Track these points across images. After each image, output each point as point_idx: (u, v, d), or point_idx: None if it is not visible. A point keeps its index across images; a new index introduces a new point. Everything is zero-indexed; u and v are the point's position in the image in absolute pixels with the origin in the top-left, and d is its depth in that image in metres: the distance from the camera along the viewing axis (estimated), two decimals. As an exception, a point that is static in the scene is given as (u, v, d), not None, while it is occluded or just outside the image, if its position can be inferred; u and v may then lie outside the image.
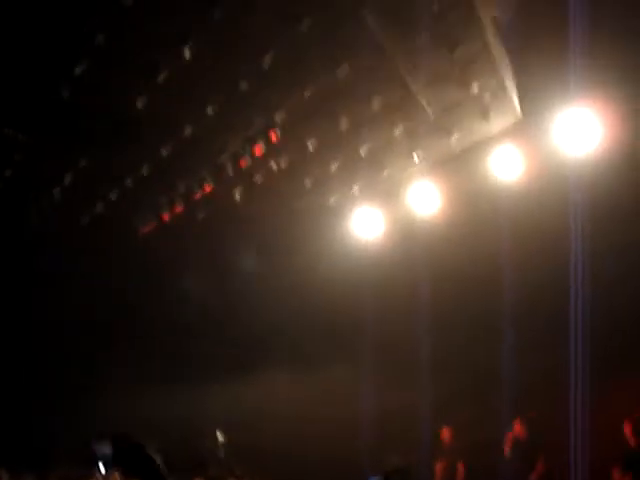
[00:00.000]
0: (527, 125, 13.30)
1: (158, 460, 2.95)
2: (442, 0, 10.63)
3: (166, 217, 16.08)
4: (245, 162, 14.04)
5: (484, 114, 13.06)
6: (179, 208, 15.75)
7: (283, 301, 16.12)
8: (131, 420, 16.92)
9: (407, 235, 15.09)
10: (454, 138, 13.81)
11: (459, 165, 14.34)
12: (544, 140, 12.97)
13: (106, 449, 2.89)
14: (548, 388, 13.09)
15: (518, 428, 13.24)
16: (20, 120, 13.26)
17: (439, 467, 14.65)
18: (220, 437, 15.17)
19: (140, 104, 12.46)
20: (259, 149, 13.70)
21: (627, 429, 10.97)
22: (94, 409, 16.49)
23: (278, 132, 13.32)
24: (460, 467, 14.40)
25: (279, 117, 13.15)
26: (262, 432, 16.21)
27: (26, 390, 17.66)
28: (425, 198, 14.88)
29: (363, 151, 14.15)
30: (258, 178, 15.07)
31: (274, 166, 14.62)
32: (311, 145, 13.95)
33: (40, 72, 11.79)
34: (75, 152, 14.08)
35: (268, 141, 13.53)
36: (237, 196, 15.59)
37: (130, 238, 16.63)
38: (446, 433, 14.69)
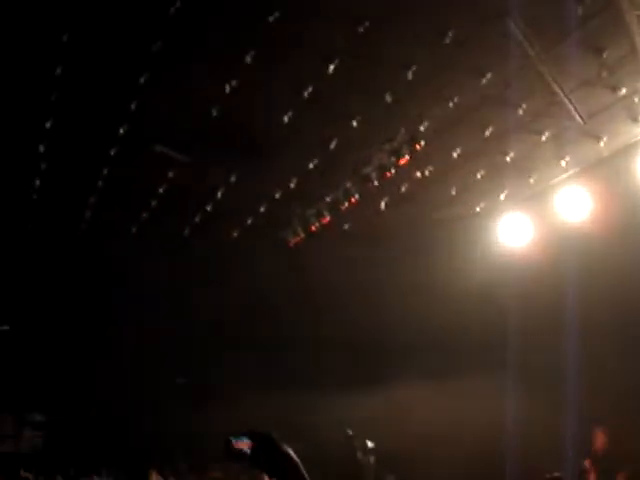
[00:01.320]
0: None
1: (295, 457, 3.00)
2: (587, 3, 10.43)
3: (314, 228, 16.38)
4: (390, 173, 14.13)
5: (633, 117, 12.73)
6: (326, 219, 16.01)
7: (432, 311, 16.12)
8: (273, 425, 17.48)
9: (556, 242, 14.81)
10: (603, 142, 13.51)
11: (609, 170, 14.00)
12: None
13: (244, 445, 2.96)
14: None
15: None
16: (171, 138, 13.82)
17: (592, 477, 14.30)
18: (370, 444, 15.31)
19: (286, 119, 12.76)
20: (404, 159, 13.75)
21: None
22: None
23: (423, 142, 13.34)
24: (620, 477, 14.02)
25: (424, 127, 13.20)
26: (401, 442, 16.30)
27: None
28: (574, 204, 14.57)
29: (510, 158, 14.02)
30: (403, 187, 15.17)
31: (419, 175, 14.67)
32: (456, 153, 13.93)
33: (191, 91, 12.28)
34: (225, 167, 14.54)
35: (413, 151, 13.57)
36: (382, 206, 15.73)
37: (279, 249, 17.04)
38: (600, 438, 14.28)
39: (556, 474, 7.89)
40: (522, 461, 14.38)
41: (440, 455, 15.53)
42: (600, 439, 14.10)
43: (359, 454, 13.65)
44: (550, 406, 14.02)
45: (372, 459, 15.28)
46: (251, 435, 2.97)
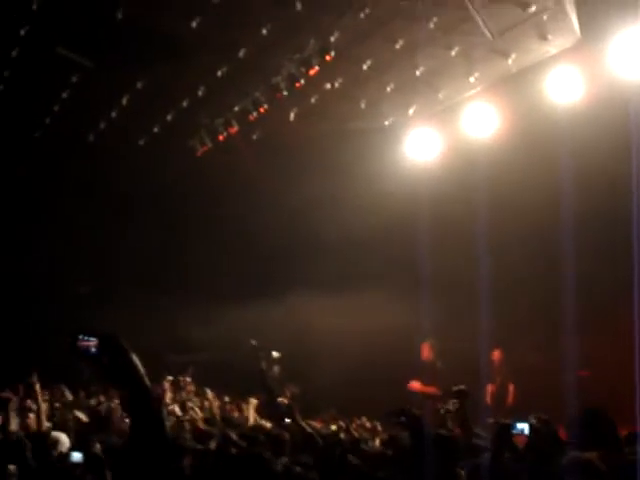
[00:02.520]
0: (586, 46, 12.99)
1: (141, 369, 2.96)
2: None
3: (222, 138, 16.21)
4: (300, 83, 13.99)
5: (542, 35, 12.81)
6: (234, 129, 15.84)
7: (336, 223, 16.19)
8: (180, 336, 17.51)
9: (463, 157, 14.97)
10: (511, 59, 13.58)
11: (516, 87, 14.11)
12: (603, 61, 12.69)
13: (91, 344, 2.91)
14: (608, 318, 13.05)
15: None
16: (77, 42, 13.36)
17: (490, 388, 14.81)
18: (275, 355, 15.45)
19: (195, 25, 12.46)
20: (314, 70, 13.62)
21: None
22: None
23: (333, 53, 13.21)
24: (511, 388, 14.55)
25: (334, 37, 13.05)
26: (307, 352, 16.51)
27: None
28: (482, 120, 14.72)
29: (419, 72, 14.00)
30: (313, 99, 15.06)
31: (329, 87, 14.57)
32: (366, 66, 13.85)
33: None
34: (132, 74, 14.18)
35: (323, 62, 13.44)
36: (292, 117, 15.63)
37: (186, 158, 16.83)
38: (497, 355, 14.83)
39: (461, 387, 8.06)
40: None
41: (337, 365, 15.76)
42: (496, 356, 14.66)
43: (263, 364, 13.75)
44: (459, 321, 14.28)
45: (277, 369, 15.44)
46: (99, 335, 2.90)
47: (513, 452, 6.12)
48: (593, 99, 13.07)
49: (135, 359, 2.93)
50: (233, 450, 6.85)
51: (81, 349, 2.88)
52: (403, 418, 6.29)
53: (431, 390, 14.19)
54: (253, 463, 5.54)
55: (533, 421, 6.35)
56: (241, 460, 5.98)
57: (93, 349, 2.87)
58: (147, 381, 2.96)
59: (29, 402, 9.60)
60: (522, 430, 6.20)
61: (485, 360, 14.14)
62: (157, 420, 2.94)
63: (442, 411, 9.03)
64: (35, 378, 9.57)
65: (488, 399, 14.68)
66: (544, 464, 5.54)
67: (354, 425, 10.85)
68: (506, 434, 6.11)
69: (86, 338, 2.88)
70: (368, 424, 11.99)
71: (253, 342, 14.08)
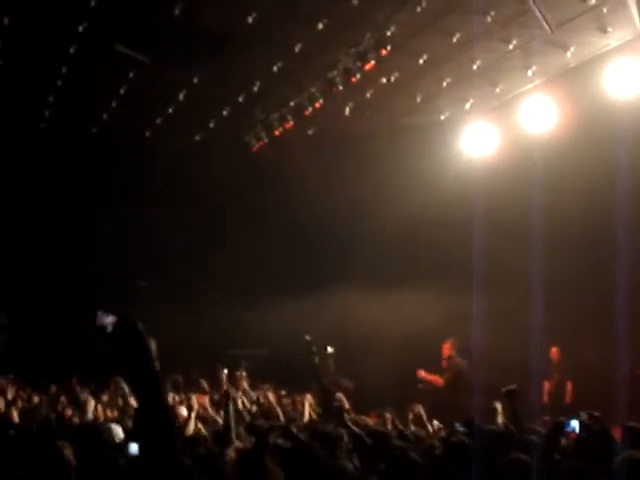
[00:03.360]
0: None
1: (155, 354, 2.94)
2: None
3: (277, 133, 16.25)
4: (355, 78, 13.96)
5: (602, 28, 12.57)
6: (290, 124, 15.87)
7: (391, 219, 16.12)
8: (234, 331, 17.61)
9: (520, 152, 14.79)
10: (570, 53, 13.37)
11: (575, 81, 13.90)
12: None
13: (109, 320, 2.91)
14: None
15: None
16: (134, 38, 13.48)
17: (548, 385, 14.67)
18: (330, 350, 15.47)
19: (251, 20, 12.48)
20: (369, 64, 13.57)
21: None
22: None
23: (389, 47, 13.14)
24: (569, 386, 14.40)
25: (390, 32, 12.97)
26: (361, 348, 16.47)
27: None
28: (540, 114, 14.53)
29: (476, 66, 13.86)
30: (368, 93, 15.01)
31: (384, 81, 14.51)
32: (422, 60, 13.75)
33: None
34: (188, 69, 14.26)
35: (379, 56, 13.38)
36: (347, 112, 15.60)
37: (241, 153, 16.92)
38: (555, 352, 14.68)
39: (511, 387, 7.94)
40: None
41: (389, 362, 15.73)
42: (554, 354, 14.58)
43: (316, 359, 13.74)
44: (511, 321, 14.16)
45: (331, 364, 15.46)
46: (119, 316, 2.90)
47: (562, 450, 6.02)
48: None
49: (150, 343, 2.92)
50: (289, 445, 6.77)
51: (98, 324, 2.89)
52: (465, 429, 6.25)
53: (434, 379, 14.52)
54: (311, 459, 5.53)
55: (585, 417, 6.24)
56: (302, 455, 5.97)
57: (110, 327, 2.88)
58: (157, 366, 2.95)
59: None
60: (574, 428, 6.10)
61: (538, 357, 13.96)
62: (162, 408, 2.92)
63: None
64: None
65: (545, 397, 14.55)
66: (594, 462, 5.43)
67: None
68: (559, 431, 6.01)
69: (105, 314, 2.89)
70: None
71: (307, 337, 14.08)
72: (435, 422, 10.28)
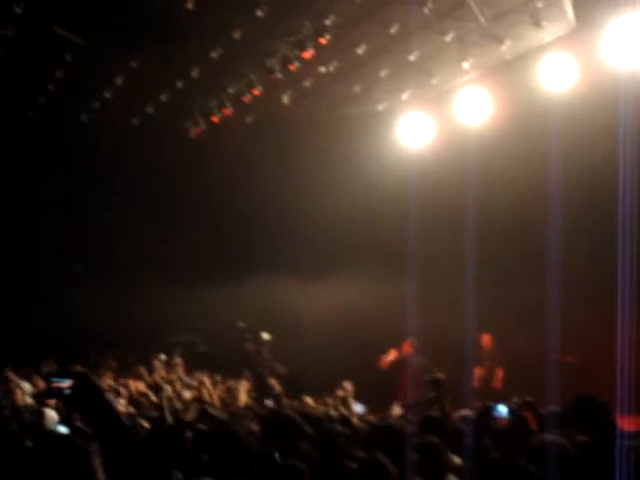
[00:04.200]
0: (580, 33, 13.00)
1: (116, 407, 2.95)
2: None
3: (215, 120, 16.21)
4: (294, 66, 13.99)
5: (536, 22, 12.80)
6: (228, 111, 15.84)
7: (326, 207, 16.22)
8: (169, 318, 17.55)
9: (455, 143, 15.00)
10: (506, 46, 13.60)
11: (510, 73, 14.14)
12: (597, 49, 12.70)
13: (64, 385, 2.91)
14: (596, 308, 13.12)
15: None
16: (72, 21, 13.32)
17: (478, 372, 14.92)
18: (265, 337, 15.51)
19: (190, 5, 12.42)
20: (308, 53, 13.61)
21: None
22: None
23: (327, 36, 13.19)
24: (499, 373, 14.67)
25: (329, 21, 13.03)
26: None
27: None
28: (475, 106, 14.75)
29: (413, 57, 14.00)
30: (307, 82, 15.06)
31: (323, 70, 14.57)
32: (360, 50, 13.85)
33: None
34: (126, 53, 14.14)
35: (317, 45, 13.43)
36: (285, 100, 15.63)
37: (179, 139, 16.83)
38: (486, 340, 14.94)
39: (436, 375, 8.12)
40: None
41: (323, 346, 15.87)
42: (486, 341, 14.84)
43: (250, 345, 13.83)
44: (445, 308, 14.35)
45: (265, 351, 15.50)
46: (71, 376, 2.90)
47: (493, 435, 6.17)
48: (586, 87, 13.08)
49: (109, 397, 2.93)
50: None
51: (54, 391, 2.89)
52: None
53: (392, 354, 14.87)
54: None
55: (515, 401, 6.41)
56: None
57: (67, 390, 2.87)
58: (124, 419, 2.95)
59: None
60: (502, 413, 6.26)
61: (471, 344, 14.21)
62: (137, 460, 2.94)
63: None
64: None
65: (476, 383, 14.79)
66: (520, 445, 5.58)
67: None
68: (487, 416, 6.17)
69: (58, 380, 2.89)
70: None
71: (240, 324, 14.16)
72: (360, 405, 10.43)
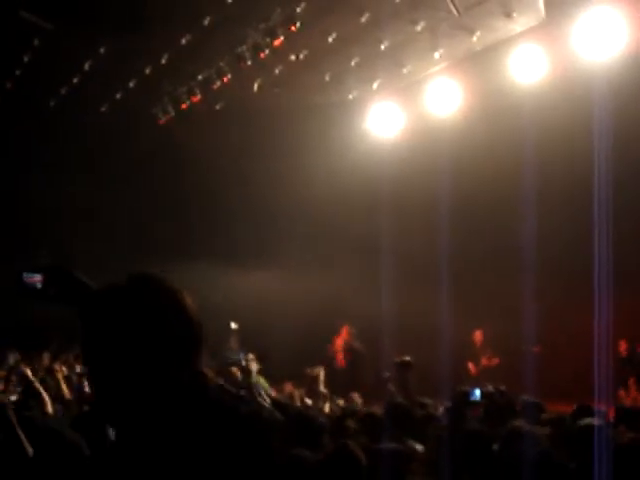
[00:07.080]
0: (550, 25, 13.06)
1: (91, 284, 2.82)
2: None
3: (184, 106, 16.08)
4: (264, 53, 13.91)
5: (507, 13, 12.84)
6: (197, 98, 15.72)
7: (294, 197, 16.21)
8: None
9: (425, 133, 15.03)
10: (476, 36, 13.61)
11: (480, 64, 14.17)
12: (568, 40, 12.78)
13: (36, 280, 2.79)
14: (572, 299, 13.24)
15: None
16: (40, 4, 13.15)
17: (472, 365, 14.98)
18: (233, 326, 15.43)
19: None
20: (278, 40, 13.55)
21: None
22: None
23: (298, 24, 13.14)
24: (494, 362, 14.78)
25: (300, 8, 12.97)
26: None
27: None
28: (445, 97, 14.77)
29: (384, 46, 13.98)
30: (277, 70, 14.99)
31: (293, 58, 14.50)
32: (331, 38, 13.80)
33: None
34: (94, 38, 13.98)
35: (288, 32, 13.37)
36: (255, 87, 15.55)
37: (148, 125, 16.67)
38: (478, 336, 15.03)
39: (405, 358, 8.11)
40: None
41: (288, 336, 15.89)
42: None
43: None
44: (418, 300, 14.41)
45: (234, 340, 15.42)
46: (43, 269, 2.79)
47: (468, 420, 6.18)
48: (556, 78, 13.18)
49: (82, 277, 2.81)
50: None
51: (27, 287, 2.79)
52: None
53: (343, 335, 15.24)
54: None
55: (489, 388, 6.44)
56: None
57: (38, 285, 2.77)
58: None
59: None
60: (477, 396, 6.28)
61: (444, 334, 14.27)
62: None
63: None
64: None
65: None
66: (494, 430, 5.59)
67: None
68: (463, 400, 6.18)
69: (30, 275, 2.80)
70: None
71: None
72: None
